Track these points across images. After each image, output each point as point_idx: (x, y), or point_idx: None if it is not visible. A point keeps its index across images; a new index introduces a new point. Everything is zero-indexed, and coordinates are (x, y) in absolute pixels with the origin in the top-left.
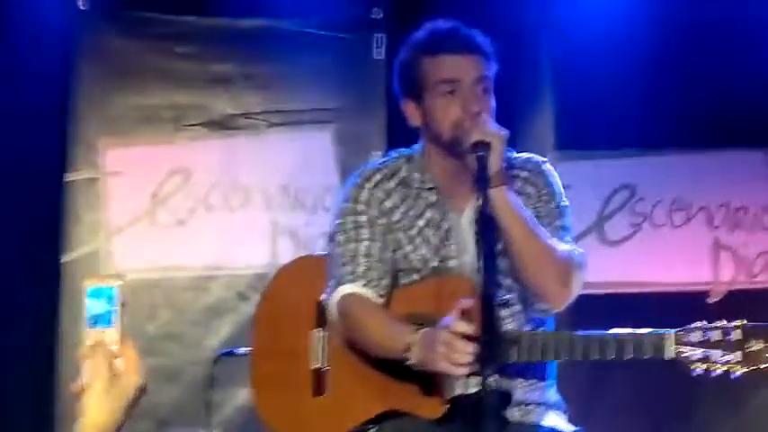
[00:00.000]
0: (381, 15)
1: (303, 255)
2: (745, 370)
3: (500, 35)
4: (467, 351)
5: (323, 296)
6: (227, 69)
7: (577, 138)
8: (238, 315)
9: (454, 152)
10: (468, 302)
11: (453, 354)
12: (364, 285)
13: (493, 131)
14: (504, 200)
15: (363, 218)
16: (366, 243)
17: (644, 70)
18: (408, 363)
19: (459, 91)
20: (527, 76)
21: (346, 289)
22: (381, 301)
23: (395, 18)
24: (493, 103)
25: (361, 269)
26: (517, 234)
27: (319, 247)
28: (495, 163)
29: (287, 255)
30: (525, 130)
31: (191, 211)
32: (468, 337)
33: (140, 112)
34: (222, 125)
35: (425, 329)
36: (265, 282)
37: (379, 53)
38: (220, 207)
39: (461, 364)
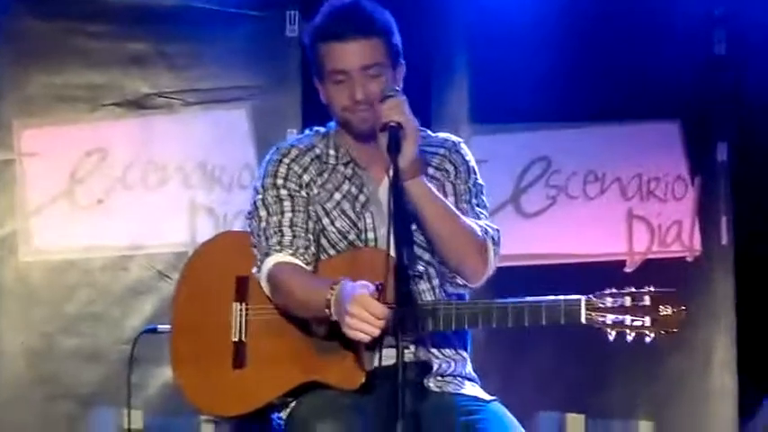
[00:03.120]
0: None
1: (222, 231)
2: (655, 334)
3: (414, 10)
4: (373, 323)
5: (253, 270)
6: (141, 49)
7: (492, 112)
8: (159, 294)
9: (352, 134)
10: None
11: (360, 323)
12: (292, 254)
13: (410, 119)
14: (421, 191)
15: (284, 191)
16: (289, 215)
17: (557, 43)
18: (332, 318)
19: (348, 80)
20: (441, 51)
21: (275, 259)
22: (309, 268)
23: None
24: (385, 81)
25: (287, 239)
26: (437, 222)
27: (238, 225)
28: (408, 153)
29: (206, 232)
30: (440, 105)
31: (109, 191)
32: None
33: (55, 93)
34: (138, 104)
35: (341, 284)
36: (185, 260)
37: (292, 30)
38: (138, 186)
39: (366, 333)
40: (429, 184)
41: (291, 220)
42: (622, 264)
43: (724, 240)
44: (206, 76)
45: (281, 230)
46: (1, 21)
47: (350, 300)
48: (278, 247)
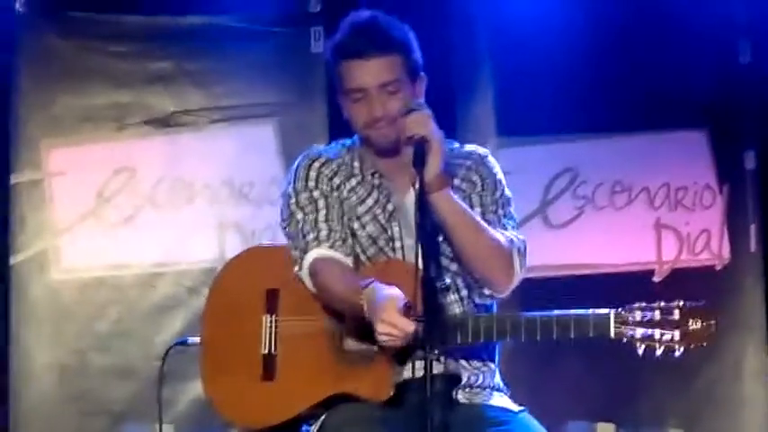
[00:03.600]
0: (319, 8)
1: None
2: (685, 348)
3: (437, 23)
4: (404, 334)
5: (294, 269)
6: (166, 67)
7: (518, 124)
8: (189, 310)
9: (373, 150)
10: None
11: (391, 337)
12: (330, 247)
13: (435, 133)
14: (447, 203)
15: (317, 192)
16: (324, 211)
17: (583, 54)
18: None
19: (366, 98)
20: (466, 63)
21: (314, 254)
22: (349, 260)
23: (332, 11)
24: (404, 97)
25: (323, 233)
26: (462, 234)
27: (266, 240)
28: (433, 166)
29: (234, 248)
30: (466, 118)
31: (137, 209)
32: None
33: (82, 112)
34: (164, 122)
35: (370, 290)
36: (214, 276)
37: (317, 46)
38: (166, 204)
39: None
40: (455, 197)
41: (326, 216)
42: (651, 273)
43: (753, 248)
44: (231, 93)
45: (317, 227)
46: (26, 41)
47: (379, 318)
48: (315, 243)
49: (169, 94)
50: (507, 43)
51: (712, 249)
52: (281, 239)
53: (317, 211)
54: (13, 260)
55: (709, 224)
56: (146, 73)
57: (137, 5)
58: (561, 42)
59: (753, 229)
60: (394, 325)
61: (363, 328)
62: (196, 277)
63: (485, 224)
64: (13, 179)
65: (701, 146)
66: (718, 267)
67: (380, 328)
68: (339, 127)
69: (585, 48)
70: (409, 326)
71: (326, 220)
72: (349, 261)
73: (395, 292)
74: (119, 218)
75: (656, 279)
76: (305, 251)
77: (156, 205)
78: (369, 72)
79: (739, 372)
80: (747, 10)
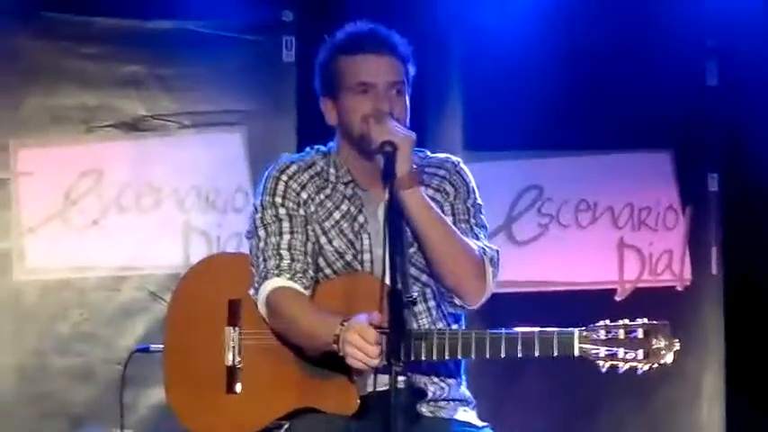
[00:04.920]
0: (291, 18)
1: (215, 253)
2: (648, 366)
3: (409, 37)
4: (371, 353)
5: (250, 291)
6: (137, 71)
7: (485, 139)
8: (151, 315)
9: (365, 151)
10: (377, 317)
11: (358, 353)
12: (290, 278)
13: (399, 133)
14: (417, 201)
15: (282, 210)
16: (288, 236)
17: (551, 73)
18: (339, 353)
19: (373, 91)
20: (435, 77)
21: (274, 283)
22: (308, 292)
23: (305, 21)
24: (406, 104)
25: (285, 263)
26: (431, 234)
27: (231, 248)
28: (403, 165)
29: (199, 255)
30: (434, 132)
31: (103, 212)
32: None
33: (51, 113)
34: (133, 126)
35: (349, 322)
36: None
37: (289, 56)
38: (132, 208)
39: (367, 365)
40: (425, 197)
41: (290, 243)
42: (613, 292)
43: (714, 270)
44: (202, 100)
45: (279, 253)
46: None
47: (348, 329)
48: (276, 271)
49: (139, 98)
50: (478, 59)
51: (674, 270)
52: (247, 248)
53: (280, 234)
54: None
55: (671, 245)
56: (116, 76)
57: (109, 8)
58: (531, 61)
59: (714, 251)
60: (361, 334)
61: (322, 355)
62: (160, 282)
63: (457, 231)
64: None
65: (665, 167)
66: (680, 288)
67: (348, 336)
68: (308, 137)
69: (555, 67)
70: (373, 335)
71: (289, 248)
72: (307, 293)
73: (361, 317)
74: (85, 220)
75: (617, 298)
76: (264, 278)
77: (123, 209)
78: (379, 67)
79: (697, 393)
80: (715, 33)
